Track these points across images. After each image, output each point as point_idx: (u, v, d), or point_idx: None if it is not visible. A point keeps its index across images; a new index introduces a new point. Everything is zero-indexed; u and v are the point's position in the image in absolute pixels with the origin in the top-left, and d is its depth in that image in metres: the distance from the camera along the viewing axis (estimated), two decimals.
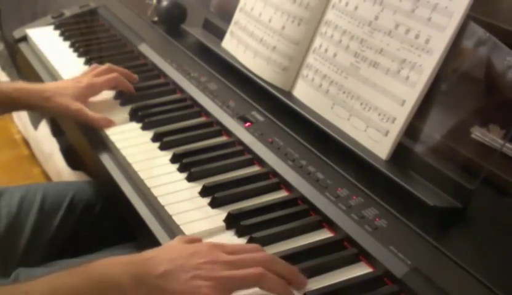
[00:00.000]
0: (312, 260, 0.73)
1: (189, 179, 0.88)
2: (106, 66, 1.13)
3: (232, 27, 1.14)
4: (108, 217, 1.09)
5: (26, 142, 2.24)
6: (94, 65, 1.15)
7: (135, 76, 1.14)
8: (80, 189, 1.15)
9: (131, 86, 1.12)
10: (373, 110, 0.86)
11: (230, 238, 0.77)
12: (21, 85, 1.08)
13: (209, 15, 1.24)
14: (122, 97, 1.11)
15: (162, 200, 0.84)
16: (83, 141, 1.04)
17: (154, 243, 0.79)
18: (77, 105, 1.04)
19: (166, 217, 0.81)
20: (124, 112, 1.07)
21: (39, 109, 1.13)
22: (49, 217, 1.08)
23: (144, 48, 1.24)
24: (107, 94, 1.12)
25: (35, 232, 1.05)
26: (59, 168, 1.80)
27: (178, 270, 0.64)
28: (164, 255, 0.66)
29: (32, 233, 1.05)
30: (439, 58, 0.80)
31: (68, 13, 1.46)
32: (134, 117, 1.05)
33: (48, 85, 1.09)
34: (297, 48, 1.00)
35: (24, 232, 1.05)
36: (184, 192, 0.86)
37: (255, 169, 0.90)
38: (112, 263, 0.65)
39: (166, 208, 0.82)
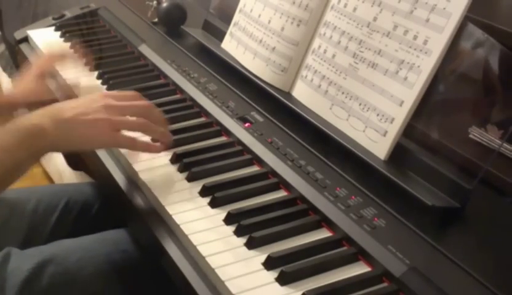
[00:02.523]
0: (311, 260, 0.73)
1: (189, 179, 0.88)
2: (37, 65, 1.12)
3: (231, 29, 1.15)
4: (105, 218, 1.09)
5: None
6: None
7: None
8: (76, 191, 1.15)
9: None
10: (371, 110, 0.87)
11: (230, 238, 0.78)
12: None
13: (209, 16, 1.25)
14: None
15: (162, 200, 0.84)
16: None
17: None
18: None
19: (166, 217, 0.82)
20: None
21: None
22: (44, 218, 1.08)
23: (144, 49, 1.24)
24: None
25: (29, 233, 1.06)
26: (60, 168, 1.81)
27: (82, 113, 0.82)
28: (70, 104, 0.85)
29: (26, 235, 1.05)
30: (437, 59, 0.80)
31: (68, 14, 1.46)
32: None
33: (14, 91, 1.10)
34: (296, 49, 1.01)
35: (17, 233, 1.05)
36: (184, 191, 0.86)
37: (254, 169, 0.91)
38: (33, 115, 0.82)
39: (166, 207, 0.83)
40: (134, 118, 0.86)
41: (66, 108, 0.83)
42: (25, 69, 1.14)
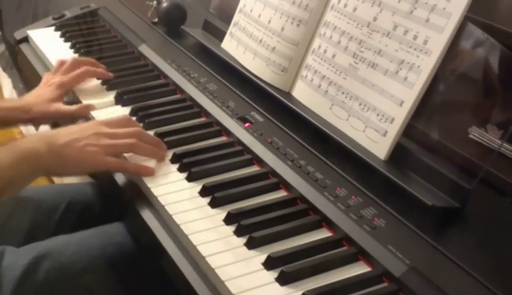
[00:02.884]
0: (311, 260, 0.73)
1: (189, 179, 0.88)
2: (71, 60, 1.16)
3: (231, 29, 1.15)
4: (107, 218, 1.09)
5: None
6: (60, 60, 1.17)
7: (103, 66, 1.18)
8: (79, 191, 1.15)
9: (106, 73, 1.16)
10: (371, 110, 0.87)
11: (230, 238, 0.78)
12: (3, 104, 1.13)
13: (209, 16, 1.25)
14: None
15: (163, 200, 0.84)
16: None
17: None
18: (54, 106, 1.08)
19: (166, 217, 0.82)
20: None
21: (24, 122, 1.17)
22: (45, 219, 1.08)
23: (144, 49, 1.24)
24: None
25: (30, 234, 1.06)
26: None
27: (74, 140, 0.89)
28: (65, 131, 0.91)
29: (27, 235, 1.05)
30: (437, 59, 0.80)
31: (68, 14, 1.46)
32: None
33: (25, 98, 1.12)
34: (296, 49, 1.01)
35: (18, 234, 1.05)
36: (184, 191, 0.86)
37: (254, 169, 0.91)
38: (30, 139, 0.90)
39: (166, 207, 0.83)
40: (123, 140, 0.92)
41: (61, 135, 0.90)
42: (46, 77, 1.15)
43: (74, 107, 1.09)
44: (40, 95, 1.10)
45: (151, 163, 0.92)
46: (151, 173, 0.90)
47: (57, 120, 1.20)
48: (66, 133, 0.90)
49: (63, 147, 0.88)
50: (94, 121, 0.97)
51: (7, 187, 0.84)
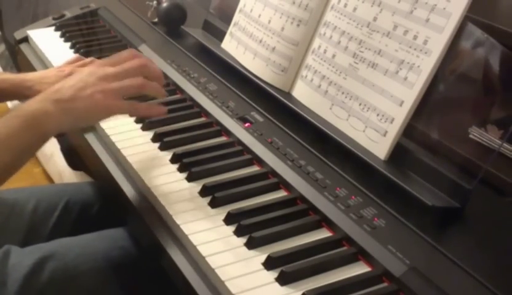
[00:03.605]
0: (311, 260, 0.73)
1: (189, 179, 0.88)
2: (90, 59, 1.15)
3: (231, 29, 1.15)
4: (105, 219, 1.09)
5: None
6: (77, 56, 1.17)
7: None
8: (76, 191, 1.15)
9: None
10: (371, 110, 0.87)
11: (230, 238, 0.78)
12: (5, 76, 1.10)
13: (209, 16, 1.25)
14: None
15: (163, 200, 0.84)
16: (83, 141, 1.05)
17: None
18: None
19: (166, 217, 0.82)
20: None
21: (22, 98, 1.14)
22: (43, 218, 1.08)
23: (144, 49, 1.24)
24: None
25: (29, 233, 1.06)
26: (60, 168, 1.81)
27: (80, 90, 0.84)
28: (67, 83, 0.86)
29: (25, 234, 1.05)
30: (437, 59, 0.81)
31: (68, 14, 1.46)
32: None
33: (30, 75, 1.11)
34: (296, 49, 1.01)
35: (17, 233, 1.05)
36: (184, 191, 0.86)
37: (254, 169, 0.91)
38: (33, 100, 0.84)
39: (166, 207, 0.83)
40: (130, 81, 0.87)
41: (65, 88, 0.85)
42: (57, 66, 1.14)
43: None
44: (46, 77, 1.08)
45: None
46: (163, 112, 0.91)
47: None
48: (70, 85, 0.85)
49: (70, 101, 0.83)
50: (95, 62, 0.93)
51: (22, 153, 0.81)
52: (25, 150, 0.82)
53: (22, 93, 1.08)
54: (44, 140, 0.84)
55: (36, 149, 0.85)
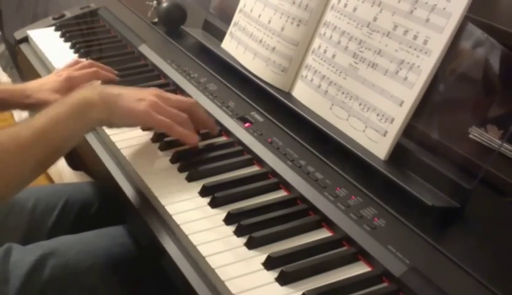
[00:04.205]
0: (311, 260, 0.73)
1: (189, 179, 0.88)
2: (88, 61, 1.16)
3: (231, 29, 1.15)
4: (104, 218, 1.10)
5: None
6: (76, 59, 1.18)
7: (115, 73, 1.17)
8: (76, 190, 1.16)
9: (112, 76, 1.15)
10: (371, 110, 0.87)
11: (230, 238, 0.78)
12: (5, 86, 1.12)
13: (209, 16, 1.25)
14: None
15: (162, 200, 0.84)
16: (83, 142, 1.05)
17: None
18: (56, 97, 1.06)
19: (166, 217, 0.82)
20: None
21: (24, 107, 1.16)
22: (43, 217, 1.09)
23: (144, 49, 1.24)
24: None
25: (28, 232, 1.06)
26: (60, 168, 1.81)
27: (128, 93, 0.90)
28: (120, 86, 0.93)
29: (25, 233, 1.06)
30: (437, 59, 0.81)
31: (68, 14, 1.46)
32: None
33: (30, 84, 1.12)
34: (296, 49, 1.01)
35: (16, 232, 1.05)
36: (184, 191, 0.86)
37: (254, 169, 0.91)
38: (83, 90, 0.89)
39: (166, 207, 0.83)
40: (177, 111, 0.91)
41: (116, 87, 0.92)
42: (56, 70, 1.16)
43: None
44: (45, 84, 1.10)
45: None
46: (195, 141, 0.92)
47: None
48: (122, 87, 0.92)
49: (116, 97, 0.88)
50: (154, 88, 0.97)
51: (69, 138, 0.86)
52: (71, 135, 0.86)
53: (22, 102, 1.10)
54: (88, 127, 0.90)
55: (81, 134, 0.90)
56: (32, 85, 1.11)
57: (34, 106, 1.11)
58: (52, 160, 0.86)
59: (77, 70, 1.13)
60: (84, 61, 1.16)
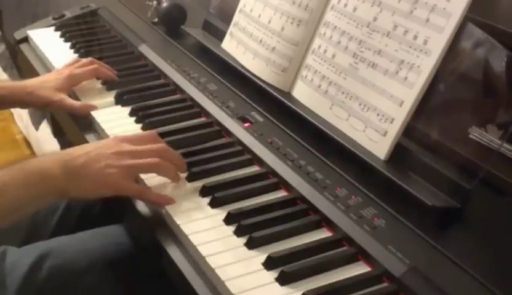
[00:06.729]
0: (311, 260, 0.73)
1: (189, 179, 0.88)
2: (89, 59, 1.17)
3: (231, 29, 1.15)
4: (106, 219, 1.09)
5: (27, 143, 2.25)
6: (76, 58, 1.19)
7: (115, 72, 1.18)
8: None
9: (112, 75, 1.16)
10: (371, 110, 0.87)
11: (230, 238, 0.78)
12: (5, 83, 1.11)
13: (209, 16, 1.25)
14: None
15: None
16: (84, 142, 1.05)
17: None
18: (58, 95, 1.07)
19: (166, 217, 0.82)
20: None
21: (24, 104, 1.16)
22: (45, 220, 1.08)
23: (144, 49, 1.24)
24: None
25: (30, 234, 1.06)
26: None
27: (93, 160, 0.81)
28: (83, 150, 0.84)
29: (26, 236, 1.05)
30: (437, 59, 0.81)
31: (68, 14, 1.46)
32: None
33: (31, 81, 1.12)
34: (296, 49, 1.01)
35: (18, 234, 1.05)
36: (185, 192, 0.86)
37: (254, 169, 0.91)
38: (43, 158, 0.83)
39: (166, 207, 0.83)
40: (146, 160, 0.84)
41: (78, 154, 0.83)
42: (57, 69, 1.16)
43: (78, 103, 1.08)
44: (47, 81, 1.10)
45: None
46: (172, 203, 0.83)
47: (54, 111, 1.21)
48: (84, 152, 0.83)
49: (80, 168, 0.81)
50: (114, 137, 0.89)
51: (15, 208, 0.80)
52: (22, 204, 0.80)
53: (23, 99, 1.09)
54: (42, 201, 0.83)
55: (31, 207, 0.83)
56: (33, 82, 1.11)
57: (35, 104, 1.11)
58: (4, 222, 0.80)
59: (78, 68, 1.13)
60: (84, 59, 1.17)
